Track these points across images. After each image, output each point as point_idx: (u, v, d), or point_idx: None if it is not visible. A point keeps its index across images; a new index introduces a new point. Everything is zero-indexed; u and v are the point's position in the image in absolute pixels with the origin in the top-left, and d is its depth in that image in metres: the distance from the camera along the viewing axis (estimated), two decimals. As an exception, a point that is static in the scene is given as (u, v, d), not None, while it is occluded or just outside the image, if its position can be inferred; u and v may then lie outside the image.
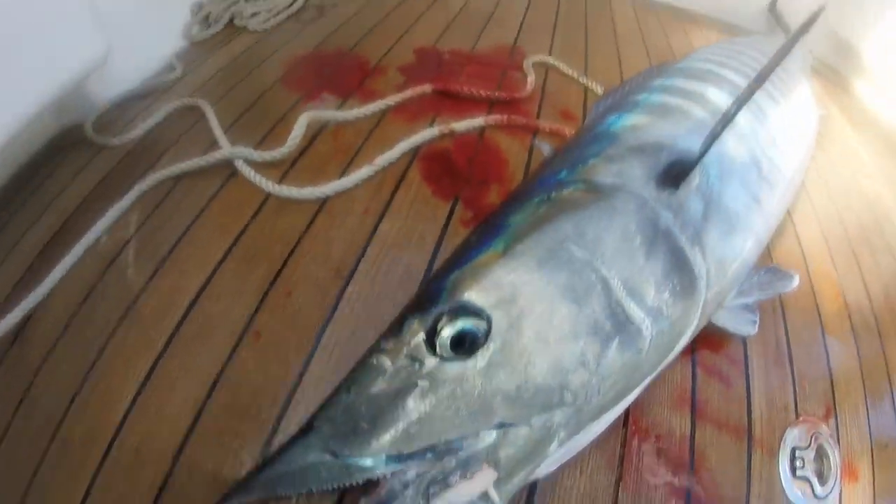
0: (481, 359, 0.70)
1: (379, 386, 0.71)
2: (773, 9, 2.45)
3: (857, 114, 2.02)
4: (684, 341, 0.88)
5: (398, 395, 0.69)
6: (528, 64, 1.80)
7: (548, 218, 0.85)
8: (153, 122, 1.44)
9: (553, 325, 0.73)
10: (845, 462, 1.02)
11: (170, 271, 1.06)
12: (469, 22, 2.14)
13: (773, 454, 0.97)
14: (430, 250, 1.11)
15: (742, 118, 1.07)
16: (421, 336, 0.73)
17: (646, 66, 1.79)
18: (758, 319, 1.01)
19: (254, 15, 1.95)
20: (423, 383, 0.69)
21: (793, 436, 1.00)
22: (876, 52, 2.12)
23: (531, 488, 0.82)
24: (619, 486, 0.86)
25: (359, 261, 1.07)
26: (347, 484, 0.66)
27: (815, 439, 1.01)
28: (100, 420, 0.87)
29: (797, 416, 1.04)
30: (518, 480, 0.70)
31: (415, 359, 0.71)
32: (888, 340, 1.25)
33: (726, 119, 0.87)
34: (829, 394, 1.10)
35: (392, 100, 1.48)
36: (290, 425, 0.84)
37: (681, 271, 0.84)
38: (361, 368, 0.74)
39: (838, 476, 0.99)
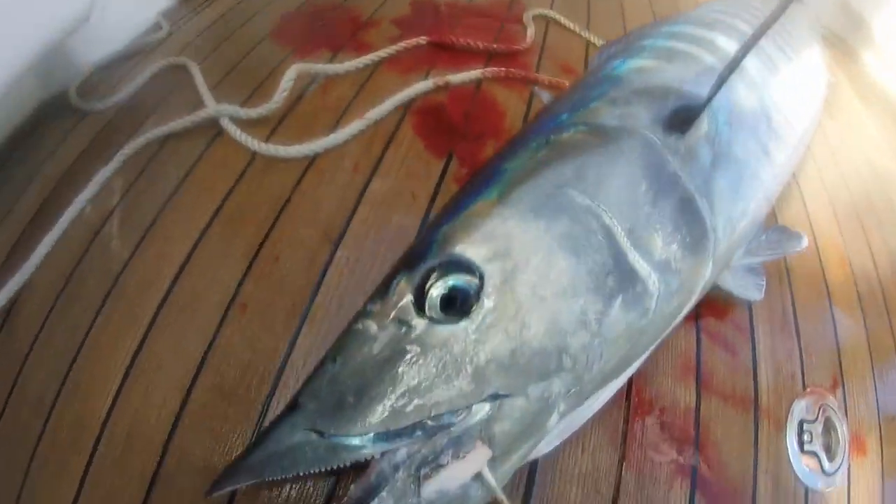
0: (473, 320, 0.65)
1: (365, 354, 0.66)
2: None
3: (866, 86, 1.97)
4: (693, 301, 0.84)
5: (385, 363, 0.65)
6: (527, 16, 1.73)
7: (545, 162, 0.79)
8: (138, 84, 1.39)
9: (550, 280, 0.68)
10: (853, 435, 1.00)
11: (154, 240, 1.04)
12: (467, -28, 2.06)
13: (781, 427, 0.94)
14: (422, 210, 1.06)
15: (753, 67, 1.04)
16: (409, 296, 0.68)
17: (650, 21, 1.73)
18: (764, 284, 0.97)
19: (243, -31, 1.87)
20: (411, 349, 0.65)
21: (800, 408, 0.98)
22: (887, 26, 2.06)
23: (531, 468, 0.79)
24: (622, 464, 0.83)
25: (348, 222, 1.03)
26: (338, 467, 0.62)
27: (823, 412, 0.98)
28: (89, 408, 0.86)
29: (804, 386, 1.01)
30: (516, 459, 0.65)
31: (402, 322, 0.67)
32: (894, 310, 1.22)
33: (735, 62, 0.81)
34: (836, 364, 1.07)
35: (385, 52, 1.41)
36: (280, 404, 0.82)
37: (691, 221, 0.78)
38: (347, 335, 0.70)
39: (847, 451, 0.97)
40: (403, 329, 0.67)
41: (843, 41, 2.14)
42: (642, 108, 0.88)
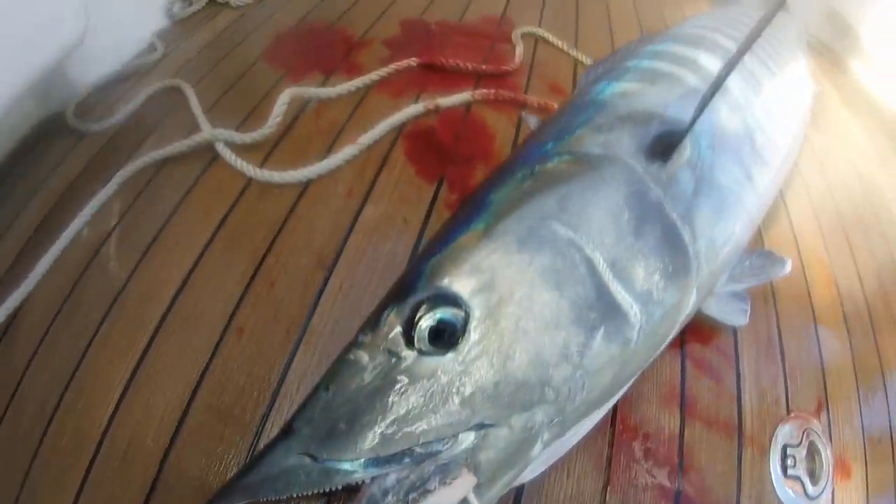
0: (460, 352, 0.68)
1: (356, 383, 0.69)
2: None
3: (853, 94, 1.97)
4: (676, 331, 0.85)
5: (375, 393, 0.67)
6: (516, 35, 1.75)
7: (530, 193, 0.81)
8: (134, 105, 1.41)
9: (533, 313, 0.70)
10: (838, 459, 1.01)
11: (151, 264, 1.05)
12: (456, -9, 2.08)
13: (764, 452, 0.96)
14: (413, 236, 1.08)
15: (736, 87, 1.04)
16: (398, 328, 0.70)
17: (638, 37, 1.76)
18: (749, 308, 0.98)
19: (235, -10, 1.90)
20: (400, 380, 0.67)
21: (784, 432, 0.98)
22: (873, 34, 2.07)
23: (517, 493, 0.81)
24: (606, 489, 0.84)
25: (342, 249, 1.05)
26: (330, 489, 0.64)
27: (807, 436, 0.99)
28: (86, 423, 0.87)
29: (788, 411, 1.02)
30: (501, 486, 0.68)
31: (392, 353, 0.69)
32: (881, 332, 1.23)
33: (717, 83, 0.82)
34: (822, 387, 1.08)
35: (376, 75, 1.44)
36: (275, 427, 0.84)
37: (673, 251, 0.80)
38: (339, 364, 0.72)
39: (830, 474, 0.98)
40: (393, 360, 0.69)
41: (829, 49, 2.15)
42: (625, 135, 0.89)
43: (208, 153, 1.23)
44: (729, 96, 1.03)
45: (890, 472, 1.07)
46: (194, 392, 0.88)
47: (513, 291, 0.71)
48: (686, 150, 0.89)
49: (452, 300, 0.70)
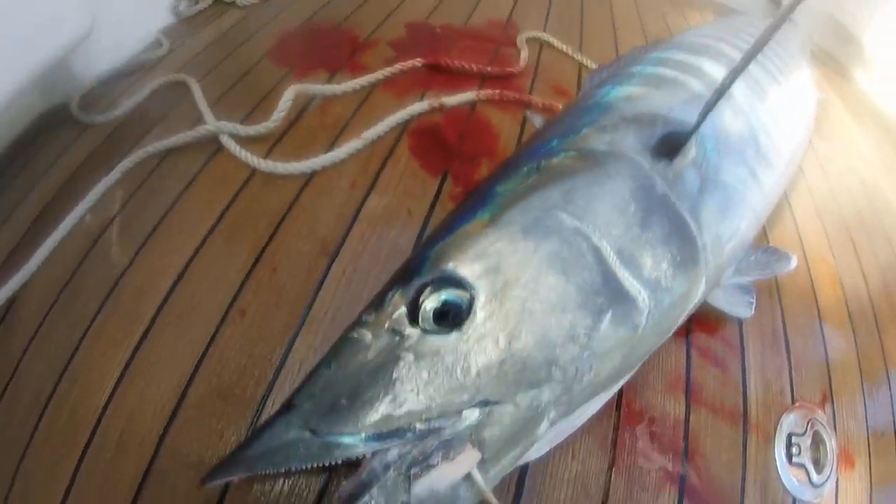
0: (464, 332, 0.68)
1: (359, 360, 0.69)
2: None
3: (856, 102, 1.99)
4: (683, 319, 0.86)
5: (378, 369, 0.67)
6: (521, 39, 1.75)
7: (536, 185, 0.82)
8: (138, 98, 1.41)
9: (539, 296, 0.70)
10: (842, 449, 1.01)
11: (154, 249, 1.05)
12: (462, -5, 2.09)
13: (769, 440, 0.96)
14: (417, 227, 1.08)
15: (740, 93, 1.06)
16: (402, 309, 0.70)
17: (641, 43, 1.77)
18: (754, 301, 0.99)
19: (242, -11, 1.91)
20: (404, 357, 0.67)
21: (789, 421, 0.99)
22: (876, 42, 2.09)
23: (522, 472, 0.80)
24: (611, 470, 0.84)
25: (345, 237, 1.05)
26: (330, 464, 0.64)
27: (812, 426, 0.99)
28: (84, 404, 0.87)
29: (793, 401, 1.02)
30: (506, 463, 0.67)
31: (396, 332, 0.69)
32: (885, 329, 1.23)
33: (722, 89, 0.83)
34: (826, 380, 1.08)
35: (381, 74, 1.44)
36: (275, 406, 0.83)
37: (680, 240, 0.81)
38: (342, 343, 0.72)
39: (835, 464, 0.98)
40: (397, 338, 0.69)
41: (832, 58, 2.17)
42: (631, 135, 0.90)
43: (212, 145, 1.23)
44: (733, 101, 1.04)
45: (893, 465, 1.07)
46: (194, 372, 0.88)
47: (519, 275, 0.71)
48: (691, 151, 0.90)
49: (457, 282, 0.71)
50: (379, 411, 0.64)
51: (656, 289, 0.76)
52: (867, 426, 1.07)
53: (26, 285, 1.02)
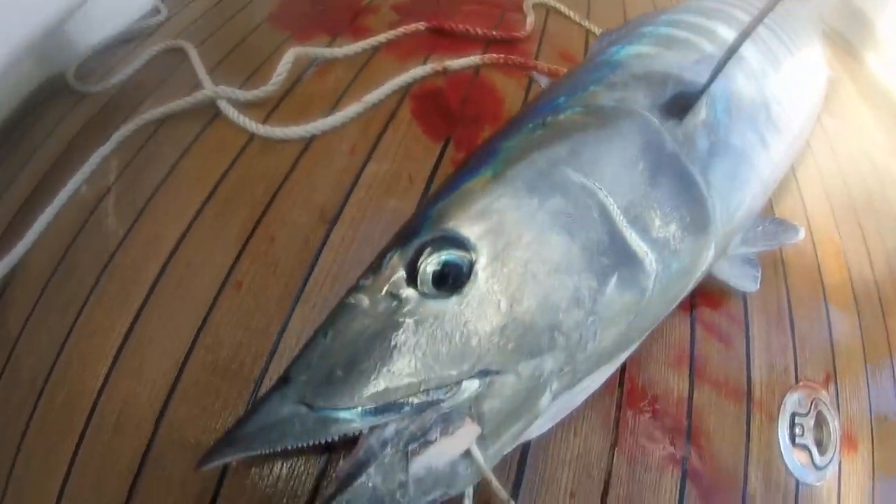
0: (465, 295, 0.65)
1: (355, 328, 0.66)
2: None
3: (867, 84, 1.95)
4: (691, 287, 0.84)
5: (375, 337, 0.64)
6: (527, 5, 1.71)
7: (541, 141, 0.79)
8: (135, 66, 1.39)
9: (543, 256, 0.68)
10: (845, 432, 1.00)
11: (150, 219, 1.03)
12: (468, -41, 2.04)
13: (773, 419, 0.94)
14: (418, 193, 1.06)
15: (752, 57, 1.03)
16: (401, 271, 0.68)
17: (650, 10, 1.72)
18: (759, 275, 0.97)
19: (242, -46, 1.86)
20: (402, 323, 0.64)
21: (793, 400, 0.97)
22: (889, 24, 2.03)
23: (523, 450, 0.79)
24: (614, 449, 0.83)
25: (344, 204, 1.02)
26: (328, 442, 0.61)
27: (815, 406, 0.98)
28: (80, 385, 0.86)
29: (797, 380, 1.00)
30: (507, 439, 0.65)
31: (394, 296, 0.67)
32: (890, 311, 1.22)
33: (733, 49, 0.80)
34: (830, 360, 1.07)
35: (384, 37, 1.41)
36: (273, 381, 0.80)
37: (690, 201, 0.78)
38: (339, 309, 0.70)
39: (838, 446, 0.97)
40: (395, 303, 0.66)
41: (844, 38, 2.12)
42: (640, 93, 0.88)
43: (210, 111, 1.20)
44: (746, 65, 1.01)
45: (895, 450, 1.05)
46: (190, 349, 0.86)
47: (521, 235, 0.69)
48: (702, 111, 0.88)
49: (458, 242, 0.68)
50: (376, 383, 0.62)
51: (664, 251, 0.73)
52: (870, 409, 1.06)
53: (23, 260, 1.01)
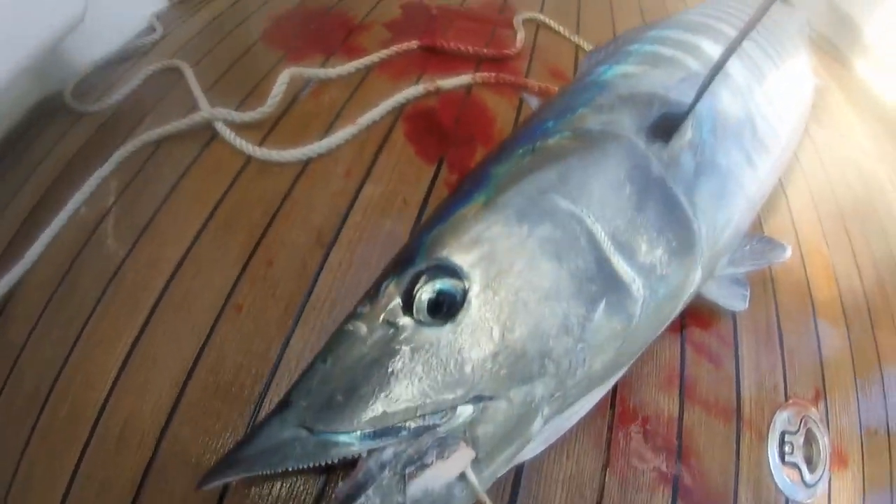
0: (458, 323, 0.67)
1: (354, 354, 0.68)
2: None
3: (855, 90, 1.97)
4: (678, 311, 0.85)
5: (373, 364, 0.67)
6: (518, 20, 1.73)
7: (531, 167, 0.81)
8: (132, 86, 1.40)
9: (533, 284, 0.69)
10: (835, 448, 1.01)
11: (149, 242, 1.04)
12: (458, -24, 2.06)
13: (762, 437, 0.96)
14: (413, 215, 1.08)
15: (738, 74, 1.05)
16: (397, 299, 0.70)
17: (639, 24, 1.75)
18: (748, 294, 0.98)
19: (236, -28, 1.88)
20: (399, 351, 0.67)
21: (782, 419, 0.98)
22: (876, 30, 2.05)
23: (517, 471, 0.80)
24: (606, 470, 0.84)
25: (341, 227, 1.04)
26: (327, 464, 0.64)
27: (805, 423, 0.99)
28: (83, 401, 0.87)
29: (786, 398, 1.02)
30: (500, 462, 0.67)
31: (391, 324, 0.69)
32: (878, 324, 1.23)
33: (717, 67, 0.81)
34: (819, 376, 1.08)
35: (377, 56, 1.43)
36: (273, 404, 0.83)
37: (676, 226, 0.80)
38: (337, 336, 0.72)
39: (827, 463, 0.98)
40: (391, 331, 0.68)
41: (832, 44, 2.14)
42: (627, 115, 0.89)
43: (207, 132, 1.22)
44: (731, 82, 1.03)
45: (886, 464, 1.07)
46: (192, 370, 0.87)
47: (512, 263, 0.71)
48: (687, 132, 0.89)
49: (452, 271, 0.70)
50: (374, 408, 0.64)
51: (651, 277, 0.75)
52: (860, 424, 1.07)
53: (23, 279, 1.02)
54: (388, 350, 0.67)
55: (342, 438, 0.64)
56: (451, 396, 0.65)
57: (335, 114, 1.28)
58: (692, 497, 0.86)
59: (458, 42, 1.52)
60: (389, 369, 0.66)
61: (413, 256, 0.74)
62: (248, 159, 1.16)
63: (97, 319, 0.95)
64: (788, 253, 0.99)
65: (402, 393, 0.64)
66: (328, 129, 1.23)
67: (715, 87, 0.84)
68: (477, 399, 0.65)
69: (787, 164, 1.27)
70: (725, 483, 0.89)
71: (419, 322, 0.68)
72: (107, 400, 0.86)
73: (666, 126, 0.87)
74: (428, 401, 0.64)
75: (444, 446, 0.63)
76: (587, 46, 1.72)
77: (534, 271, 0.70)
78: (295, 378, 0.72)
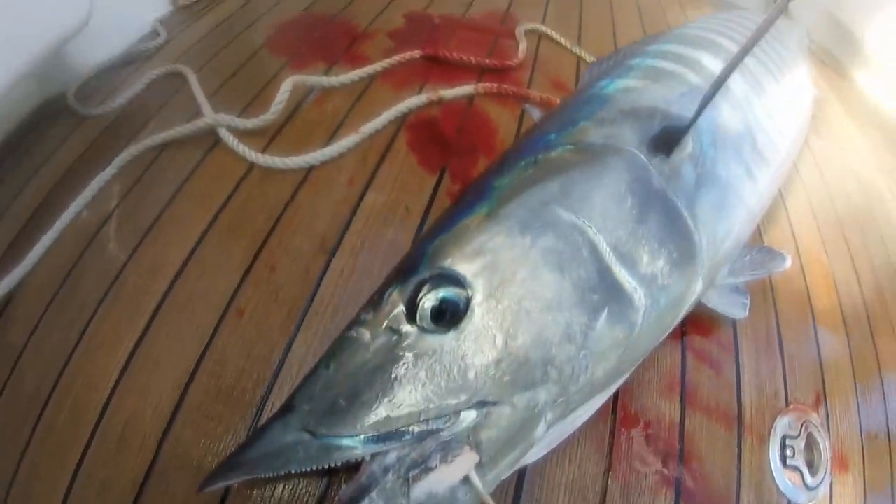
0: (462, 330, 0.68)
1: (357, 360, 0.69)
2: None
3: (854, 101, 1.98)
4: (679, 319, 0.86)
5: (377, 369, 0.67)
6: (520, 31, 1.75)
7: (533, 179, 0.82)
8: (136, 90, 1.41)
9: (536, 294, 0.70)
10: (835, 452, 1.02)
11: (152, 246, 1.05)
12: (461, -14, 2.08)
13: (763, 442, 0.96)
14: (415, 224, 1.08)
15: (738, 88, 1.05)
16: (401, 307, 0.71)
17: (640, 36, 1.76)
18: (748, 302, 0.99)
19: (240, -21, 1.89)
20: (402, 357, 0.67)
21: (783, 424, 0.99)
22: (876, 41, 2.07)
23: (520, 475, 0.81)
24: (608, 475, 0.84)
25: (343, 234, 1.04)
26: (330, 467, 0.64)
27: (805, 428, 1.00)
28: (84, 403, 0.87)
29: (787, 403, 1.02)
30: (504, 466, 0.67)
31: (394, 331, 0.69)
32: (878, 330, 1.24)
33: (719, 82, 0.82)
34: (819, 382, 1.09)
35: (380, 65, 1.44)
36: (275, 408, 0.82)
37: (678, 237, 0.81)
38: (340, 342, 0.72)
39: (829, 466, 0.98)
40: (395, 337, 0.69)
41: (831, 56, 2.15)
42: (628, 129, 0.90)
43: (210, 138, 1.22)
44: (731, 96, 1.04)
45: (886, 468, 1.07)
46: (193, 373, 0.87)
47: (515, 272, 0.71)
48: (688, 145, 0.90)
49: (455, 280, 0.71)
50: (378, 412, 0.64)
51: (652, 286, 0.76)
52: (860, 429, 1.08)
53: (24, 281, 1.02)
54: (391, 356, 0.68)
55: (345, 442, 0.64)
56: (454, 401, 0.65)
57: (338, 122, 1.29)
58: (694, 500, 0.86)
59: (460, 52, 1.53)
60: (393, 374, 0.66)
61: (416, 265, 0.74)
62: (251, 166, 1.16)
63: (99, 322, 0.95)
64: (788, 263, 1.00)
65: (405, 398, 0.65)
66: (331, 138, 1.24)
67: (715, 100, 0.85)
68: (480, 404, 0.66)
69: (787, 175, 1.27)
70: (727, 486, 0.90)
71: (422, 329, 0.69)
72: (108, 401, 0.86)
73: (667, 139, 0.88)
74: (431, 405, 0.65)
75: (447, 450, 0.63)
76: (589, 58, 1.73)
77: (537, 281, 0.71)
78: (297, 383, 0.72)
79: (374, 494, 0.61)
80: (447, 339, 0.68)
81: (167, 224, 1.08)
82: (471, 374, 0.66)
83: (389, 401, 0.65)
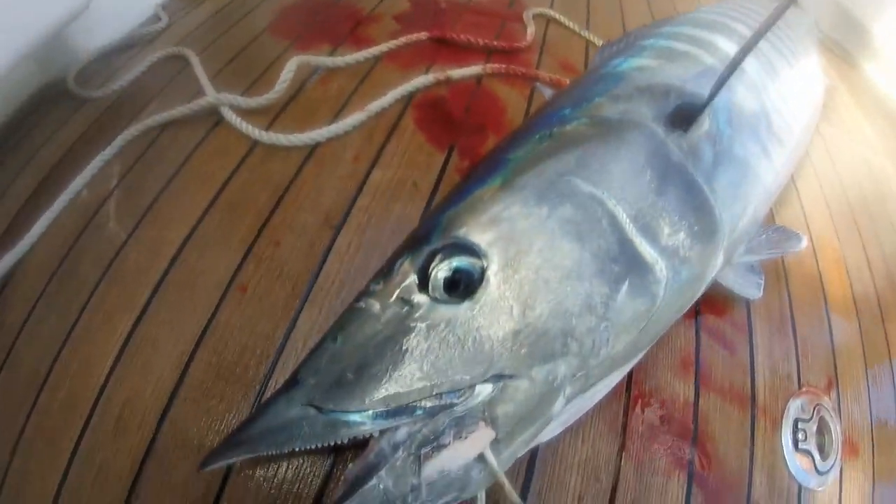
0: (477, 301, 0.65)
1: (366, 332, 0.66)
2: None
3: (864, 91, 1.98)
4: (699, 294, 0.84)
5: (387, 341, 0.64)
6: (528, 15, 1.73)
7: (549, 151, 0.79)
8: (137, 72, 1.39)
9: (554, 263, 0.68)
10: (846, 437, 1.01)
11: (152, 223, 1.03)
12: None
13: (776, 424, 0.95)
14: (423, 200, 1.06)
15: (752, 70, 1.05)
16: (412, 276, 0.68)
17: (649, 21, 1.74)
18: (763, 283, 0.98)
19: (243, -38, 1.87)
20: (413, 328, 0.64)
21: (796, 406, 0.98)
22: (885, 32, 2.07)
23: (532, 455, 0.78)
24: (621, 454, 0.83)
25: (349, 210, 1.02)
26: (336, 444, 0.61)
27: (818, 411, 0.99)
28: (82, 383, 0.86)
29: (800, 386, 1.01)
30: (520, 443, 0.64)
31: (405, 301, 0.67)
32: (889, 316, 1.23)
33: (736, 62, 0.81)
34: (832, 366, 1.08)
35: (386, 46, 1.42)
36: (279, 385, 0.79)
37: (698, 210, 0.79)
38: (349, 313, 0.70)
39: (839, 451, 0.98)
40: (406, 308, 0.66)
41: (841, 46, 2.15)
42: (644, 105, 0.89)
43: (212, 117, 1.21)
44: (746, 78, 1.03)
45: (895, 455, 1.06)
46: (194, 350, 0.85)
47: (532, 242, 0.69)
48: (705, 123, 0.89)
49: (469, 249, 0.68)
50: (387, 386, 0.61)
51: (674, 259, 0.74)
52: (871, 414, 1.07)
53: (23, 260, 1.01)
54: (402, 327, 0.65)
55: (353, 418, 0.61)
56: (469, 375, 0.62)
57: (343, 102, 1.27)
58: (707, 482, 0.85)
59: (467, 34, 1.50)
60: (404, 346, 0.63)
61: (429, 235, 0.72)
62: (255, 143, 1.14)
63: (98, 301, 0.94)
64: (804, 243, 0.99)
65: (416, 371, 0.62)
66: (336, 116, 1.22)
67: (730, 81, 0.84)
68: (497, 377, 0.63)
69: (800, 159, 1.27)
70: (740, 468, 0.89)
71: (435, 300, 0.66)
72: (106, 381, 0.85)
73: (684, 116, 0.87)
74: (444, 379, 0.62)
75: (461, 426, 0.60)
76: (598, 41, 1.72)
77: (555, 251, 0.69)
78: (302, 358, 0.70)
79: (382, 473, 0.58)
80: (461, 310, 0.65)
81: (168, 202, 1.06)
82: (486, 346, 0.63)
83: (400, 374, 0.62)
